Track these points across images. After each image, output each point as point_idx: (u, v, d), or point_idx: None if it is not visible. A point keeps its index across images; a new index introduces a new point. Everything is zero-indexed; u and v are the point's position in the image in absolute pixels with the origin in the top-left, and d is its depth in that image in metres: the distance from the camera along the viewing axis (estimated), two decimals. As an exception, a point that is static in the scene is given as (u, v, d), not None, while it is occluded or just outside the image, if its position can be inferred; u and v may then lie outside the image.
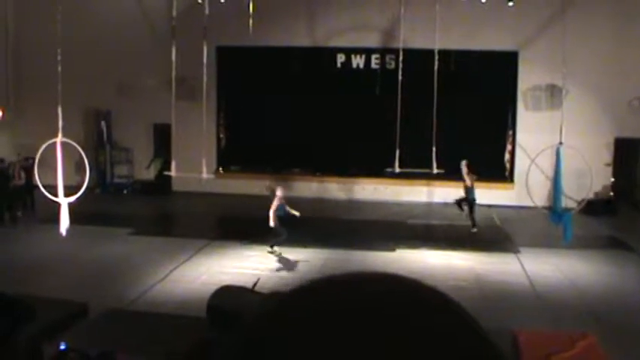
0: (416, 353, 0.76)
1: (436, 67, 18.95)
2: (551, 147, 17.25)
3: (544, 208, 18.16)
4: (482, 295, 14.42)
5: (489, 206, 23.49)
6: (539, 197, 18.23)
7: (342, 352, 0.75)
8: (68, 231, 15.41)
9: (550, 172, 19.05)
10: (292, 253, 17.26)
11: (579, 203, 18.90)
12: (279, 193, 17.47)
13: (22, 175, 21.30)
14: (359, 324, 0.78)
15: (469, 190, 19.94)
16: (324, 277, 0.88)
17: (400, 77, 19.33)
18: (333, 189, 25.36)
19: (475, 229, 19.89)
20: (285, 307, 0.84)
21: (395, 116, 19.02)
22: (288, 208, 17.49)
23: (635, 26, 23.31)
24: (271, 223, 17.09)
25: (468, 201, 19.99)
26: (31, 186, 20.99)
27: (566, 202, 19.70)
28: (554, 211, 17.27)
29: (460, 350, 0.79)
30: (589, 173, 17.18)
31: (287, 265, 16.40)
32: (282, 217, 17.27)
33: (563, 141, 16.88)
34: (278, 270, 15.87)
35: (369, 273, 0.89)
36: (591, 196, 20.30)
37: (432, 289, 0.87)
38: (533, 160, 18.77)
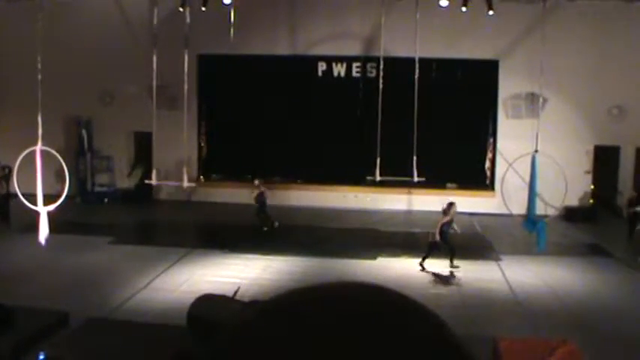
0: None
1: (417, 76, 19.02)
2: (528, 154, 17.37)
3: (520, 215, 18.24)
4: (463, 302, 14.48)
5: (470, 214, 23.55)
6: (518, 205, 18.31)
7: None
8: (48, 240, 15.31)
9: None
10: (273, 262, 17.25)
11: (557, 210, 19.08)
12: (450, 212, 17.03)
13: (4, 184, 21.13)
14: (337, 334, 0.78)
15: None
16: (293, 290, 0.89)
17: (381, 85, 19.37)
18: (314, 197, 25.35)
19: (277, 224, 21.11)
20: (265, 319, 0.85)
21: (376, 124, 19.06)
22: (455, 227, 17.26)
23: (614, 35, 23.49)
24: (436, 238, 16.78)
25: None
26: (6, 195, 20.86)
27: (545, 209, 19.85)
28: (528, 218, 17.35)
29: (431, 354, 0.80)
30: (563, 180, 17.27)
31: (267, 273, 16.37)
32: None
33: (540, 149, 17.01)
34: (258, 278, 15.84)
35: (341, 284, 0.89)
36: (567, 203, 20.42)
37: (407, 298, 0.88)
38: (510, 165, 18.91)
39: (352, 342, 0.78)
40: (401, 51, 21.42)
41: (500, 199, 19.08)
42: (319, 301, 0.86)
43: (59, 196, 15.41)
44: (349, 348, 0.78)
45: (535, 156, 16.99)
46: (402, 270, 16.82)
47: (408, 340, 0.80)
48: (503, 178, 18.79)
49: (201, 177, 26.05)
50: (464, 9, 22.57)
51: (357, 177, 23.20)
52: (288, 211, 23.52)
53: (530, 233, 17.58)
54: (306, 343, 0.78)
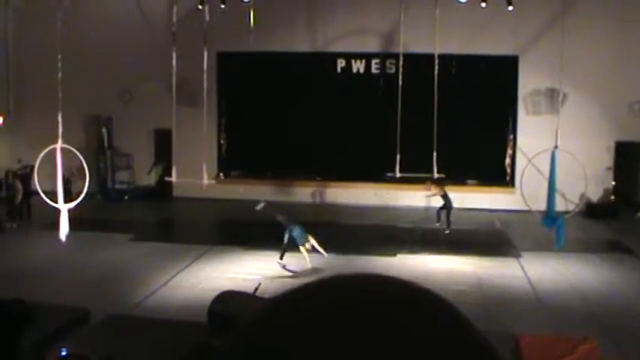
0: (411, 354, 0.76)
1: (436, 72, 18.96)
2: (548, 150, 17.25)
3: (538, 212, 18.12)
4: (483, 299, 14.42)
5: (491, 210, 23.48)
6: (539, 201, 18.19)
7: (341, 353, 0.75)
8: (68, 237, 15.41)
9: (549, 176, 19.06)
10: (293, 258, 17.24)
11: (577, 206, 18.96)
12: None
13: (19, 185, 21.19)
14: (356, 326, 0.78)
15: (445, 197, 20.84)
16: (316, 280, 0.89)
17: (400, 82, 19.33)
18: (334, 194, 25.34)
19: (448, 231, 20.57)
20: (281, 309, 0.85)
21: (395, 121, 19.03)
22: None
23: (635, 29, 23.32)
24: None
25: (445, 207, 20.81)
26: (28, 194, 20.97)
27: (566, 206, 19.75)
28: (547, 215, 17.23)
29: (456, 354, 0.79)
30: (584, 177, 17.15)
31: (288, 270, 16.37)
32: None
33: (560, 145, 16.88)
34: (279, 275, 15.85)
35: (364, 274, 0.89)
36: (588, 199, 20.29)
37: (427, 290, 0.87)
38: (530, 161, 18.77)
39: (363, 336, 0.77)
40: (420, 47, 21.33)
41: (520, 196, 18.98)
42: (345, 292, 0.85)
43: (79, 194, 15.52)
44: (358, 342, 0.77)
45: (555, 152, 16.87)
46: (421, 266, 16.79)
47: (433, 342, 0.79)
48: (522, 175, 18.66)
49: (221, 174, 26.09)
50: (483, 5, 22.48)
51: (377, 174, 23.17)
52: (308, 208, 23.53)
53: (549, 229, 17.44)
54: (331, 336, 0.77)
